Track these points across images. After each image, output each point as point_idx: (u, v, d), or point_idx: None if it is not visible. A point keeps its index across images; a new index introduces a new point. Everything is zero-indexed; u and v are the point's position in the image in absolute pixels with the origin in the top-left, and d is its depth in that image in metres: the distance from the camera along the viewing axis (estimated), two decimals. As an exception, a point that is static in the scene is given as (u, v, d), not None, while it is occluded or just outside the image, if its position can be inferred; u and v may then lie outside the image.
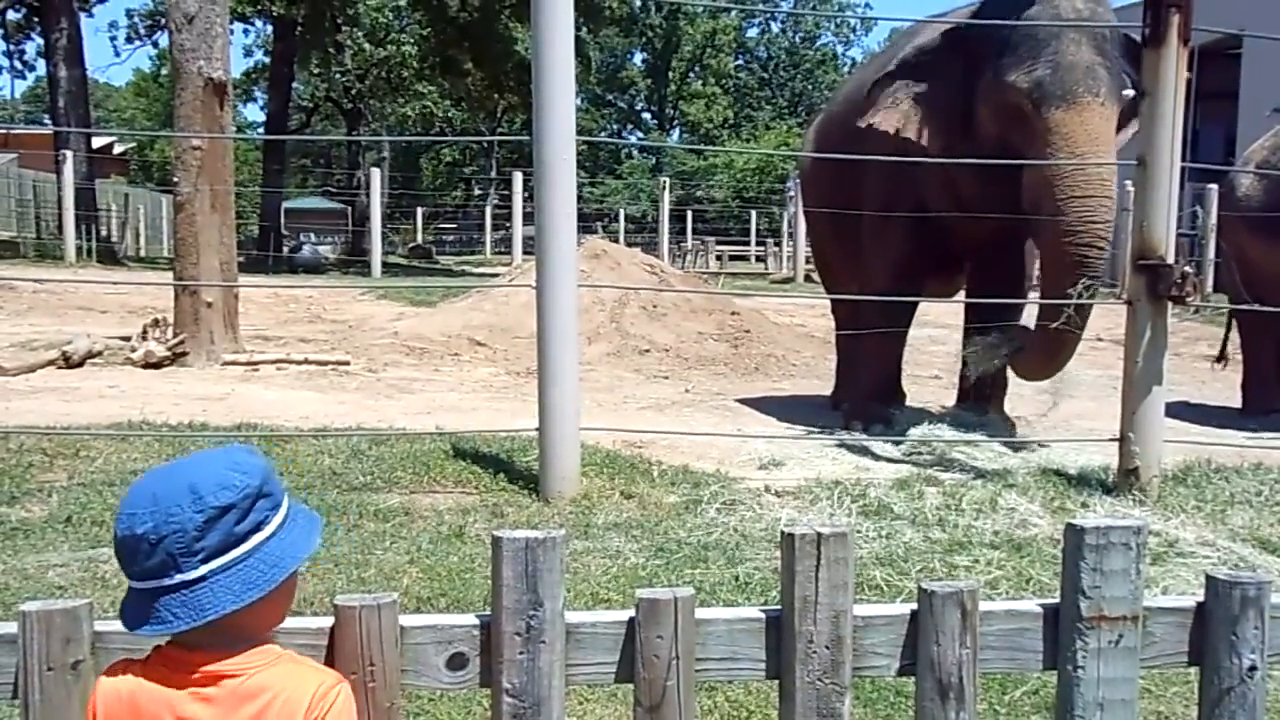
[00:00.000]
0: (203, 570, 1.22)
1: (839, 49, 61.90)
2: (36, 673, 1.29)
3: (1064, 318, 4.64)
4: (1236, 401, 7.16)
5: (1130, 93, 4.44)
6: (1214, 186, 13.04)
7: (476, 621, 1.37)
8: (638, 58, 60.05)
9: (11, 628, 1.31)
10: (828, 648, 1.38)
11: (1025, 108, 4.80)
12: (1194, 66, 5.10)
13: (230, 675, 1.23)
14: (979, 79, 5.05)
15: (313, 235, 31.78)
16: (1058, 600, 1.45)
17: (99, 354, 7.50)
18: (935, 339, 10.05)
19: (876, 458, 5.09)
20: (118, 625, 1.35)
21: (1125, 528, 1.40)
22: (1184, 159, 4.26)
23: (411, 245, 33.51)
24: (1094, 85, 4.64)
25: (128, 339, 7.77)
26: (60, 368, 7.11)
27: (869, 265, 5.96)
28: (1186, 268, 4.21)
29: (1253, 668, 1.43)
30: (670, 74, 58.81)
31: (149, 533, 1.20)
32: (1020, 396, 6.16)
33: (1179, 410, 6.35)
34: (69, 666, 1.29)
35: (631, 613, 1.38)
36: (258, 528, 1.26)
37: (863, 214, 5.85)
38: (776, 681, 1.42)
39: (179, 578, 1.21)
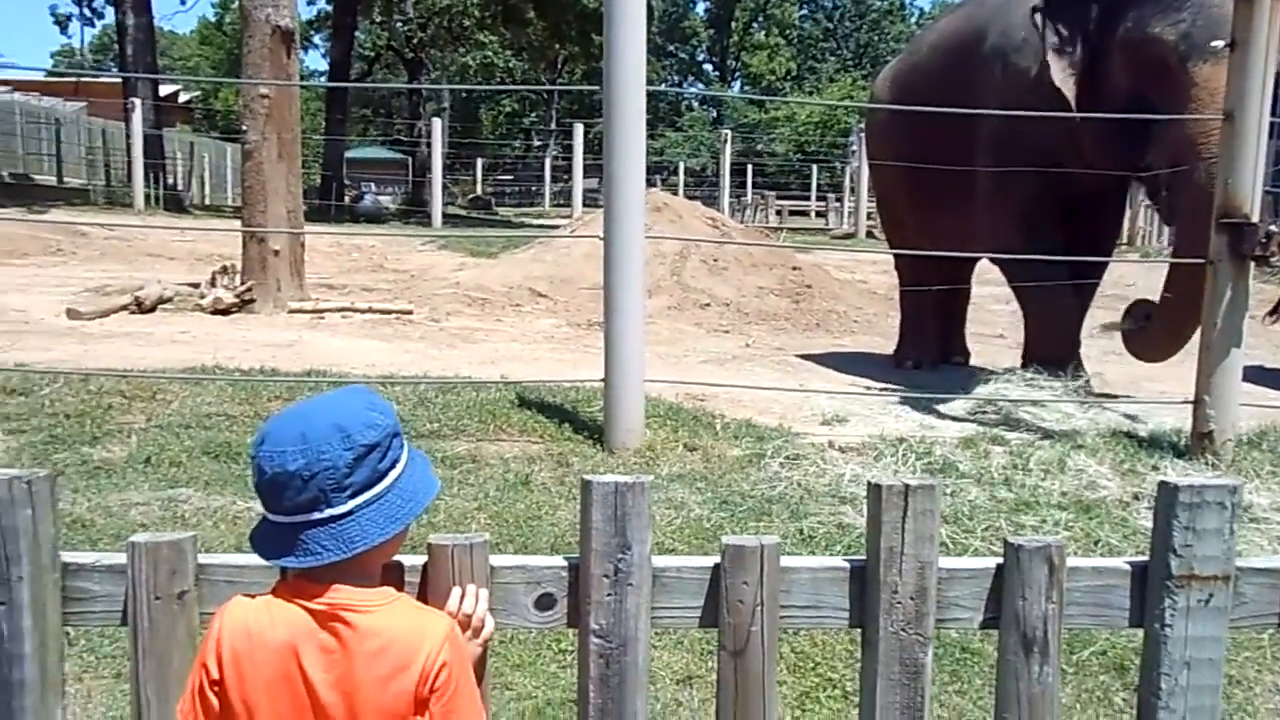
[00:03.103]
0: (350, 505, 1.27)
1: (906, -1, 60.65)
2: (145, 601, 1.34)
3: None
4: (1314, 366, 6.97)
5: (1219, 44, 4.28)
6: (1296, 144, 12.61)
7: (565, 563, 1.40)
8: (700, 7, 59.35)
9: (120, 558, 1.35)
10: (912, 599, 1.38)
11: (1170, 60, 4.64)
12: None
13: (357, 610, 1.27)
14: (1111, 28, 4.89)
15: (373, 185, 31.98)
16: (1146, 558, 1.43)
17: (169, 300, 7.67)
18: (998, 298, 9.89)
19: (941, 416, 5.05)
20: (220, 559, 1.40)
21: (1221, 487, 1.38)
22: (1273, 114, 4.12)
23: (471, 196, 33.63)
24: None
25: (197, 285, 7.93)
26: (133, 313, 7.28)
27: (992, 218, 5.77)
28: (1272, 227, 4.08)
29: (1346, 631, 1.41)
30: (733, 24, 58.02)
31: (301, 469, 1.25)
32: (1087, 358, 6.06)
33: (1254, 375, 6.19)
34: (175, 596, 1.34)
35: (717, 559, 1.39)
36: (394, 464, 1.32)
37: (971, 169, 5.69)
38: (843, 634, 1.43)
39: (329, 512, 1.27)
